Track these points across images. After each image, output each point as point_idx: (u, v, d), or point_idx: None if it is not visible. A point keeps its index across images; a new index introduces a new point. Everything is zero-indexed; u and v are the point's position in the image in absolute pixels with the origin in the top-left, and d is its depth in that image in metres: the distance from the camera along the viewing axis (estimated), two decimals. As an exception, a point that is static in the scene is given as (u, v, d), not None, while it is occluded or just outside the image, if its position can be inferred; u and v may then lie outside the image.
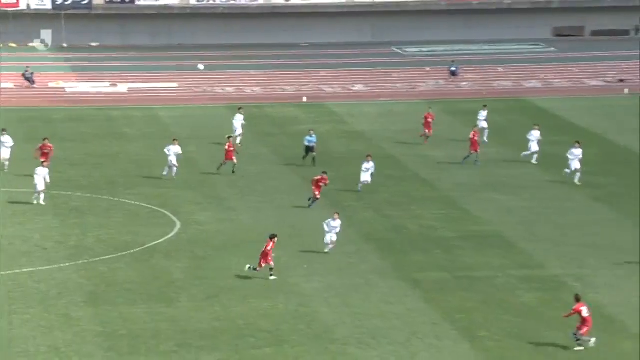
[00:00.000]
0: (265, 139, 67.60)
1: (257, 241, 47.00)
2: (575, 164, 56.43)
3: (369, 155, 55.73)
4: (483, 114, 65.72)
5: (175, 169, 57.36)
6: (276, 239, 43.42)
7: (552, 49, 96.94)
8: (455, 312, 40.51)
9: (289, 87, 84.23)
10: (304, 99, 79.60)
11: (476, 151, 60.41)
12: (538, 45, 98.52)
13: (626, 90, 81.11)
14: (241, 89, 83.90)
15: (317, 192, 52.45)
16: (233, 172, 57.88)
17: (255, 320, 39.43)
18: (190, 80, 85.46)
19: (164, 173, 57.40)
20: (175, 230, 49.87)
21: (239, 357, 36.57)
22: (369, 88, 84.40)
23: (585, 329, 36.02)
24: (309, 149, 60.38)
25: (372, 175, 55.27)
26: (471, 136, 61.04)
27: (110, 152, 64.21)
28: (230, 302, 41.17)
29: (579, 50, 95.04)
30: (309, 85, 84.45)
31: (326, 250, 45.99)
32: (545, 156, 62.05)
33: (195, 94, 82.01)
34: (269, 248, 43.03)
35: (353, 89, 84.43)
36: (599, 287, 42.90)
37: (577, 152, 56.64)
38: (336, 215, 45.98)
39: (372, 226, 50.80)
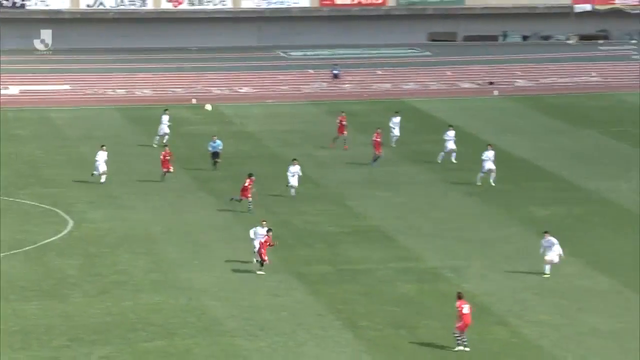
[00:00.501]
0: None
1: (149, 239, 46.50)
2: (489, 165, 55.95)
3: (295, 159, 54.58)
4: (395, 120, 65.09)
5: (104, 176, 56.04)
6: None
7: (428, 53, 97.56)
8: (339, 304, 40.44)
9: (179, 90, 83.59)
10: (194, 101, 79.06)
11: (379, 152, 60.09)
12: (414, 49, 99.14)
13: (496, 92, 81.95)
14: (132, 91, 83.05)
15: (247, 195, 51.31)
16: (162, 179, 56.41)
17: (147, 315, 38.92)
18: (82, 82, 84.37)
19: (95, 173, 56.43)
20: (68, 228, 49.06)
21: (130, 350, 36.05)
22: (256, 90, 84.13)
23: (461, 324, 35.87)
24: (214, 155, 59.02)
25: (299, 178, 54.09)
26: (374, 138, 60.74)
27: (3, 152, 62.98)
28: (122, 297, 40.62)
29: (452, 54, 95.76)
30: (198, 88, 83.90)
31: (255, 260, 43.82)
32: (421, 154, 62.35)
33: (87, 96, 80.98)
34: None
35: (240, 91, 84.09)
36: (472, 277, 43.16)
37: (490, 154, 56.17)
38: (264, 223, 44.10)
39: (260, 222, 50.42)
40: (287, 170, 54.00)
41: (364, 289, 41.95)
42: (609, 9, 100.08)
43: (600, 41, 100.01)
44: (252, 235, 43.84)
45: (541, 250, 42.56)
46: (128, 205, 52.90)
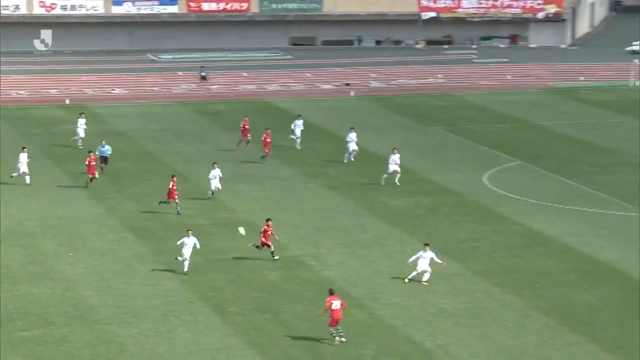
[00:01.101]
0: (30, 138, 65.64)
1: (26, 233, 45.50)
2: (394, 167, 54.77)
3: (215, 163, 52.89)
4: (298, 123, 64.47)
5: (28, 177, 54.35)
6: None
7: (289, 56, 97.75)
8: (208, 291, 40.16)
9: (53, 91, 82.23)
10: (67, 102, 77.85)
11: (268, 152, 59.43)
12: (277, 53, 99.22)
13: (352, 93, 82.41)
14: (8, 92, 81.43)
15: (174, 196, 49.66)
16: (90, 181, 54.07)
17: (23, 305, 38.13)
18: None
19: (15, 174, 54.73)
20: (-52, 223, 47.80)
21: (8, 339, 35.22)
22: (128, 91, 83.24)
23: (331, 321, 35.77)
24: (102, 160, 56.64)
25: (220, 180, 52.25)
26: (263, 138, 59.98)
27: None
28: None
29: (312, 57, 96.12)
30: (72, 89, 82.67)
31: (185, 270, 41.62)
32: (284, 150, 62.32)
33: (-33, 98, 79.23)
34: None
35: (113, 92, 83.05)
36: (332, 264, 43.25)
37: (395, 157, 55.10)
38: (189, 233, 41.96)
39: (133, 216, 49.86)
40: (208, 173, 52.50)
41: (232, 277, 41.73)
42: (452, 17, 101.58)
43: (445, 46, 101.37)
44: (178, 243, 41.91)
45: (414, 258, 41.10)
46: (4, 200, 51.71)
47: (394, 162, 54.91)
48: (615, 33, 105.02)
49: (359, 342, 35.60)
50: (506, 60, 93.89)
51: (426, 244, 41.23)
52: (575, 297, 39.52)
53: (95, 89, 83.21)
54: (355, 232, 47.58)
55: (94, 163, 54.11)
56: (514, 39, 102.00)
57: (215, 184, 52.12)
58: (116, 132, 68.70)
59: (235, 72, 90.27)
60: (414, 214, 50.06)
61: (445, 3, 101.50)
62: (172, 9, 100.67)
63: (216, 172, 52.36)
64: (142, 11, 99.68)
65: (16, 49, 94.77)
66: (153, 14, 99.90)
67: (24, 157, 54.94)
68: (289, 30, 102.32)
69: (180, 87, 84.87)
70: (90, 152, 55.28)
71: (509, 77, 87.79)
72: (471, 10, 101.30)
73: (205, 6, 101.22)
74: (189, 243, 41.78)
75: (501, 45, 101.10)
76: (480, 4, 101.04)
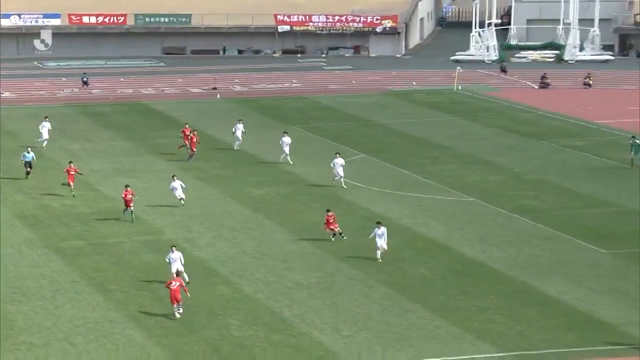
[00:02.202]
0: None
1: None
2: (339, 171, 52.77)
3: (175, 175, 49.58)
4: (239, 126, 63.08)
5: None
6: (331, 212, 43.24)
7: (162, 64, 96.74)
8: (91, 272, 39.52)
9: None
10: (-37, 105, 75.59)
11: (193, 151, 57.75)
12: (151, 60, 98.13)
13: (218, 96, 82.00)
14: None
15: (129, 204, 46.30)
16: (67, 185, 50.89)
17: None
18: None
19: None
20: None
21: None
22: (17, 95, 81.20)
23: (172, 299, 34.91)
24: (26, 164, 53.34)
25: (184, 189, 48.84)
26: (181, 136, 58.47)
27: None
28: None
29: (182, 65, 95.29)
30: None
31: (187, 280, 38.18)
32: (159, 146, 61.64)
33: None
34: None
35: (3, 95, 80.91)
36: (202, 246, 42.96)
37: (340, 161, 53.18)
38: (174, 248, 38.48)
39: (23, 206, 48.71)
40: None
41: (113, 259, 41.11)
42: (304, 30, 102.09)
43: (299, 55, 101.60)
44: (166, 259, 38.15)
45: (372, 236, 40.61)
46: None
47: (338, 164, 52.58)
48: (441, 44, 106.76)
49: (225, 313, 35.45)
50: (351, 67, 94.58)
51: (378, 222, 41.20)
52: (411, 270, 40.04)
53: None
54: (223, 217, 47.37)
55: (73, 173, 50.08)
56: (357, 49, 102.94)
57: (179, 194, 48.54)
58: (5, 131, 67.00)
59: (114, 77, 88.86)
60: (274, 202, 50.05)
61: (298, 18, 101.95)
62: (55, 22, 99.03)
63: (176, 184, 48.71)
64: (27, 23, 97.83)
65: None
66: (38, 26, 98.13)
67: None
68: (161, 41, 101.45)
69: (64, 91, 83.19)
70: (70, 162, 51.80)
71: (353, 81, 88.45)
72: (320, 25, 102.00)
73: (86, 19, 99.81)
74: (176, 257, 37.94)
75: (346, 55, 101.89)
76: (328, 19, 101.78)
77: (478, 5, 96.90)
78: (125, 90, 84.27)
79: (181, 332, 33.86)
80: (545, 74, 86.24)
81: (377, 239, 40.70)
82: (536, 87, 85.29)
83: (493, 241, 43.38)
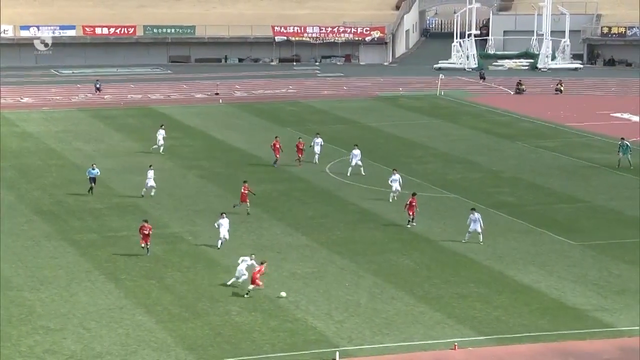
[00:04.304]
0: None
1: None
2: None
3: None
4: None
5: None
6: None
7: (169, 71, 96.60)
8: (104, 262, 39.42)
9: (-27, 100, 79.49)
10: (-14, 109, 75.42)
11: (277, 157, 56.45)
12: (158, 68, 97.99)
13: (221, 100, 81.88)
14: None
15: None
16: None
17: (-50, 277, 36.71)
18: None
19: None
20: None
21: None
22: (35, 100, 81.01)
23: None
24: (91, 180, 49.39)
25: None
26: (273, 144, 56.68)
27: None
28: None
29: (187, 72, 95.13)
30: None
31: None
32: (166, 148, 61.51)
33: None
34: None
35: (22, 100, 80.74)
36: (205, 239, 42.83)
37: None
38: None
39: (40, 202, 48.59)
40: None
41: (123, 250, 40.99)
42: (299, 40, 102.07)
43: (294, 63, 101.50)
44: (239, 261, 36.75)
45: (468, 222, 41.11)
46: None
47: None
48: (425, 54, 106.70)
49: (227, 300, 35.37)
50: (342, 74, 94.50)
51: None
52: (397, 261, 40.02)
53: (7, 99, 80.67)
54: (218, 211, 47.09)
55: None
56: (348, 58, 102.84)
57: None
58: (25, 133, 66.86)
59: (124, 84, 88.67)
60: (271, 197, 49.96)
61: (294, 29, 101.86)
62: (71, 33, 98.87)
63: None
64: (45, 34, 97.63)
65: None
66: (55, 36, 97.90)
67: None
68: (168, 50, 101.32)
69: (79, 96, 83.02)
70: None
71: (344, 87, 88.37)
72: (314, 35, 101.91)
73: (99, 30, 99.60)
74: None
75: (338, 63, 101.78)
76: (321, 30, 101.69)
77: (459, 17, 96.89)
78: (134, 95, 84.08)
79: (186, 318, 33.79)
80: (520, 80, 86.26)
81: (472, 224, 41.28)
82: (512, 92, 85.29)
83: (473, 234, 43.33)
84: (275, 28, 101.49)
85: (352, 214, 46.79)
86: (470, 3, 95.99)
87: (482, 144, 63.96)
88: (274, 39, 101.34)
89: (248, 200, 45.75)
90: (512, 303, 35.21)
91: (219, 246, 40.62)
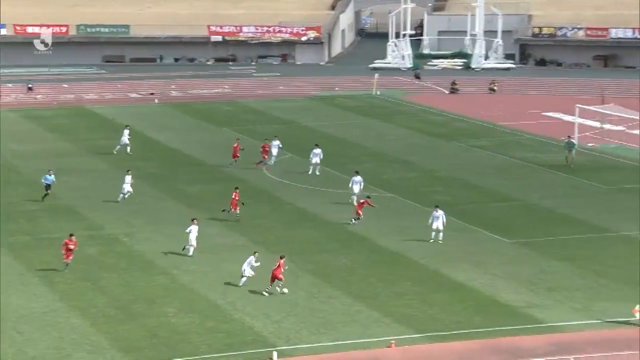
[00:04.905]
0: None
1: None
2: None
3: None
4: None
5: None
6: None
7: (103, 71, 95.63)
8: (37, 265, 38.86)
9: None
10: None
11: (265, 158, 55.82)
12: (92, 68, 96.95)
13: (156, 100, 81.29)
14: None
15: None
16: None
17: None
18: None
19: None
20: None
21: None
22: (-34, 100, 79.64)
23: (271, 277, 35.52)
24: (47, 187, 48.39)
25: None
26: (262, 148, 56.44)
27: None
28: None
29: (122, 72, 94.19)
30: None
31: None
32: (100, 147, 60.90)
33: None
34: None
35: (-46, 101, 79.35)
36: (141, 240, 42.56)
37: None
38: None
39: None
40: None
41: (58, 252, 40.35)
42: (235, 40, 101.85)
43: (230, 63, 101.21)
44: (245, 265, 36.63)
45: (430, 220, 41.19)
46: None
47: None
48: (361, 53, 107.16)
49: (163, 302, 35.17)
50: (278, 74, 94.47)
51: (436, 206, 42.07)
52: (335, 261, 40.14)
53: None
54: (160, 213, 46.96)
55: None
56: (284, 57, 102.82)
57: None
58: (-43, 134, 65.78)
59: (57, 84, 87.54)
60: (207, 198, 49.73)
61: (229, 29, 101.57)
62: (2, 32, 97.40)
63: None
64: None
65: None
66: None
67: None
68: (102, 50, 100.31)
69: (10, 96, 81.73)
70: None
71: (281, 87, 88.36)
72: (250, 35, 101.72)
73: (30, 29, 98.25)
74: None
75: (274, 63, 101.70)
76: (257, 30, 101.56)
77: (394, 17, 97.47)
78: (67, 95, 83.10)
79: (122, 320, 33.50)
80: (454, 80, 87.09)
81: (435, 221, 41.32)
82: (446, 92, 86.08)
83: (409, 233, 43.67)
84: (211, 28, 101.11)
85: (290, 214, 46.82)
86: (405, 3, 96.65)
87: (417, 144, 64.46)
88: (210, 38, 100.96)
89: (238, 208, 44.77)
90: (447, 301, 35.55)
91: (190, 253, 39.84)
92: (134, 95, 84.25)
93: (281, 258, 36.07)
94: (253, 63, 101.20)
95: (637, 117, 61.21)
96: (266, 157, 56.10)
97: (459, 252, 41.10)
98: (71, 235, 38.51)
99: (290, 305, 34.94)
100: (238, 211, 44.82)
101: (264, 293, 35.52)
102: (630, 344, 31.68)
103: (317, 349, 31.54)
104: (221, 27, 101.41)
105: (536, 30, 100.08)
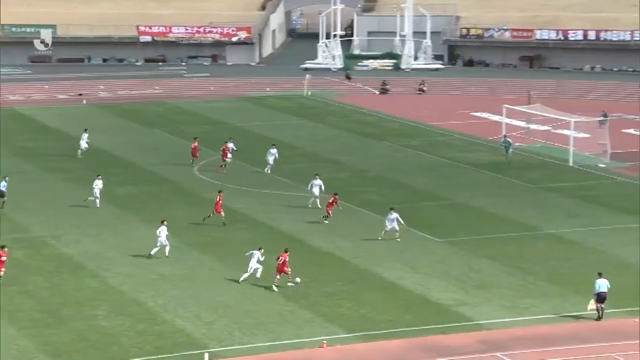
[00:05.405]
0: None
1: None
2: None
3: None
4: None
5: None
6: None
7: (29, 71, 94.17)
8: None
9: None
10: None
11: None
12: (18, 69, 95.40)
13: (84, 101, 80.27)
14: None
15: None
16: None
17: None
18: None
19: None
20: None
21: None
22: None
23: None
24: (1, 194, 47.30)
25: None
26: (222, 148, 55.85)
27: None
28: None
29: (49, 72, 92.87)
30: None
31: (257, 276, 37.14)
32: (25, 149, 59.86)
33: None
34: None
35: None
36: (69, 242, 41.95)
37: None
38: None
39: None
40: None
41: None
42: (165, 40, 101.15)
43: (160, 63, 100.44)
44: (252, 261, 36.87)
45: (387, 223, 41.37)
46: None
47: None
48: (292, 54, 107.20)
49: (93, 305, 34.69)
50: (209, 74, 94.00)
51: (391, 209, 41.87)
52: (267, 261, 39.93)
53: None
54: (88, 215, 46.33)
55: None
56: (214, 58, 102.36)
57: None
58: None
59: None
60: (138, 200, 49.23)
61: (159, 29, 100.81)
62: None
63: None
64: None
65: None
66: None
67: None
68: (28, 50, 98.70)
69: None
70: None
71: (211, 88, 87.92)
72: (180, 35, 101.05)
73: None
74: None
75: (205, 63, 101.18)
76: (187, 30, 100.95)
77: (324, 18, 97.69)
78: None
79: (49, 324, 32.95)
80: (384, 80, 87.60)
81: (388, 223, 41.57)
82: (377, 92, 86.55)
83: (340, 232, 43.76)
84: (140, 28, 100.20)
85: (224, 214, 46.48)
86: (335, 4, 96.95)
87: (348, 144, 64.66)
88: (139, 39, 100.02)
89: (222, 211, 44.25)
90: (379, 300, 35.69)
91: (166, 254, 39.46)
92: (61, 96, 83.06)
93: (285, 252, 36.38)
94: (183, 63, 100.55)
95: (562, 117, 62.21)
96: (225, 159, 55.62)
97: (389, 252, 41.30)
98: (3, 246, 37.28)
99: (222, 307, 34.74)
100: (222, 214, 44.32)
101: (274, 288, 35.84)
102: (558, 340, 32.16)
103: (250, 350, 31.41)
104: (150, 27, 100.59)
105: (464, 32, 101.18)
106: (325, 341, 31.89)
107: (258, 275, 36.78)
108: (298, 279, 36.54)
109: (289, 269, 36.28)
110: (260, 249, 37.09)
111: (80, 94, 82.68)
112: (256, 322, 33.46)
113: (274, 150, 55.32)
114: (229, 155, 56.10)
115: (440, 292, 36.48)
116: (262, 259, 36.91)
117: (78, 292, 35.78)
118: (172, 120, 72.89)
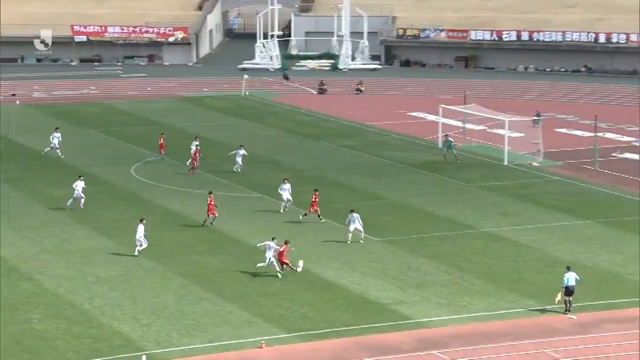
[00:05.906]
0: None
1: None
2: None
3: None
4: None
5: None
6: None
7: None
8: None
9: None
10: None
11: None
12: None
13: (18, 102, 79.10)
14: None
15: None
16: None
17: None
18: None
19: None
20: None
21: None
22: None
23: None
24: None
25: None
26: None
27: None
28: None
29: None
30: None
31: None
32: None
33: None
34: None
35: None
36: (4, 245, 41.28)
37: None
38: (275, 240, 38.29)
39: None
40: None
41: None
42: (100, 40, 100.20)
43: (96, 63, 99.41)
44: (268, 251, 37.76)
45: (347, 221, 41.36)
46: None
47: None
48: (229, 54, 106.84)
49: (27, 308, 34.21)
50: (146, 75, 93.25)
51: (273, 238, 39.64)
52: (205, 262, 39.86)
53: None
54: (24, 217, 45.69)
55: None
56: (151, 58, 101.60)
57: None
58: None
59: None
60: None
61: (94, 29, 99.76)
62: None
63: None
64: None
65: None
66: None
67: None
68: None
69: None
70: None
71: (149, 88, 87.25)
72: (116, 35, 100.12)
73: None
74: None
75: (142, 63, 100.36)
76: (123, 30, 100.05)
77: (262, 18, 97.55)
78: None
79: (-16, 328, 32.42)
80: (322, 81, 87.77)
81: (352, 223, 41.67)
82: (315, 92, 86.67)
83: (278, 233, 43.67)
84: (75, 27, 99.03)
85: (159, 216, 46.24)
86: (272, 4, 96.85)
87: (287, 144, 64.65)
88: (74, 38, 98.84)
89: (216, 212, 44.03)
90: (317, 299, 35.74)
91: (140, 249, 39.68)
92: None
93: (285, 243, 37.63)
94: (119, 64, 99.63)
95: (497, 117, 62.94)
96: (196, 162, 55.06)
97: (328, 251, 41.38)
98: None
99: (159, 308, 34.49)
100: (217, 214, 44.08)
101: (278, 275, 37.27)
102: (493, 338, 32.53)
103: (188, 351, 31.24)
104: (85, 27, 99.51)
105: (400, 32, 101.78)
106: (264, 341, 31.86)
107: (277, 267, 37.41)
108: (301, 262, 37.87)
109: (287, 260, 37.34)
110: (273, 239, 37.87)
111: (14, 94, 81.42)
112: (194, 324, 33.29)
113: (242, 152, 55.30)
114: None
115: (379, 291, 36.66)
116: (276, 247, 37.57)
117: (12, 296, 35.24)
118: (109, 121, 72.18)
